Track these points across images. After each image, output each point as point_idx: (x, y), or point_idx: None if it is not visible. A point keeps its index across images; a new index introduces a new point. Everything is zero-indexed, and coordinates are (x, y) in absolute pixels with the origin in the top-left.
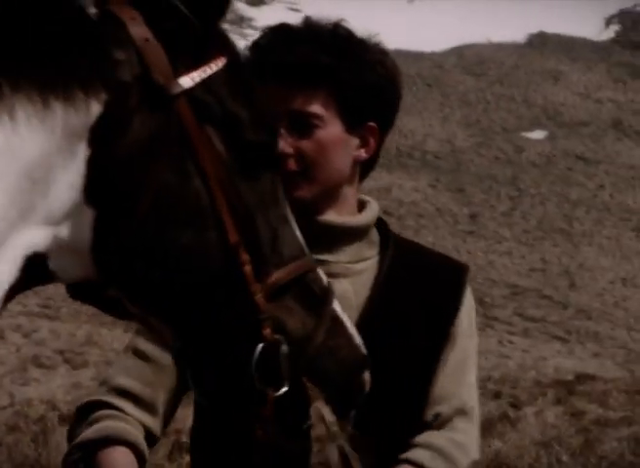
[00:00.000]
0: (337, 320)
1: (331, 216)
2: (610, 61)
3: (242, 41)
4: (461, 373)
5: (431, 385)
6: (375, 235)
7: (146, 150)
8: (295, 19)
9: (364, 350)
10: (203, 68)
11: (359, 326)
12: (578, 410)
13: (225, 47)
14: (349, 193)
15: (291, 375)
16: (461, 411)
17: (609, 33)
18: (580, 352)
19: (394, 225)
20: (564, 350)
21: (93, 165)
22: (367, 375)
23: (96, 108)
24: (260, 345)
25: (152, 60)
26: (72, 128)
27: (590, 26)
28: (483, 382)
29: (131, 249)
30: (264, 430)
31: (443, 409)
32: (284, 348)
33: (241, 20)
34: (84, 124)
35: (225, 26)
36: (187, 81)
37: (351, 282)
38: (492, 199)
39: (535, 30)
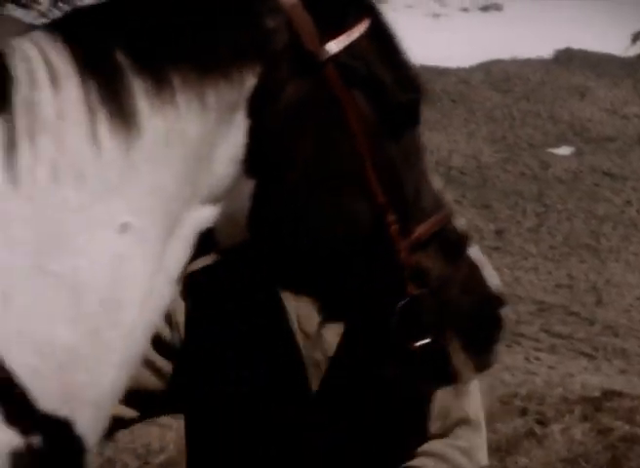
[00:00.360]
0: (473, 265)
1: None
2: (636, 77)
3: None
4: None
5: (430, 400)
6: None
7: (297, 117)
8: None
9: (500, 289)
10: (348, 32)
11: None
12: (605, 427)
13: (368, 9)
14: None
15: (435, 326)
16: (464, 421)
17: (635, 49)
18: (606, 369)
19: None
20: (591, 367)
21: (252, 135)
22: (505, 311)
23: (251, 80)
24: (405, 300)
25: (301, 27)
26: (229, 101)
27: (617, 42)
28: (509, 399)
29: (281, 216)
30: (408, 381)
31: (445, 421)
32: (427, 300)
33: None
34: (240, 96)
35: None
36: (334, 46)
37: None
38: (518, 215)
39: (561, 46)
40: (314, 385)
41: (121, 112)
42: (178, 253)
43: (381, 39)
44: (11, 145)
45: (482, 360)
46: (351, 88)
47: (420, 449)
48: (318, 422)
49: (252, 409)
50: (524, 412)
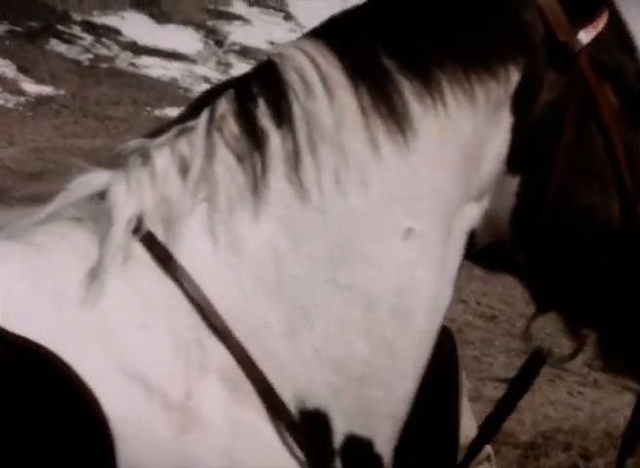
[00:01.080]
0: None
1: None
2: None
3: None
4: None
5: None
6: None
7: (555, 111)
8: None
9: None
10: (594, 22)
11: None
12: None
13: None
14: None
15: None
16: (488, 457)
17: None
18: None
19: None
20: (635, 401)
21: (515, 132)
22: None
23: (515, 75)
24: None
25: (553, 19)
26: (496, 98)
27: None
28: (553, 433)
29: (545, 212)
30: None
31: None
32: None
33: None
34: (505, 92)
35: None
36: (584, 37)
37: None
38: None
39: None
40: None
41: (395, 116)
42: (454, 254)
43: (618, 27)
44: (294, 158)
45: None
46: (601, 79)
47: None
48: None
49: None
50: (567, 448)
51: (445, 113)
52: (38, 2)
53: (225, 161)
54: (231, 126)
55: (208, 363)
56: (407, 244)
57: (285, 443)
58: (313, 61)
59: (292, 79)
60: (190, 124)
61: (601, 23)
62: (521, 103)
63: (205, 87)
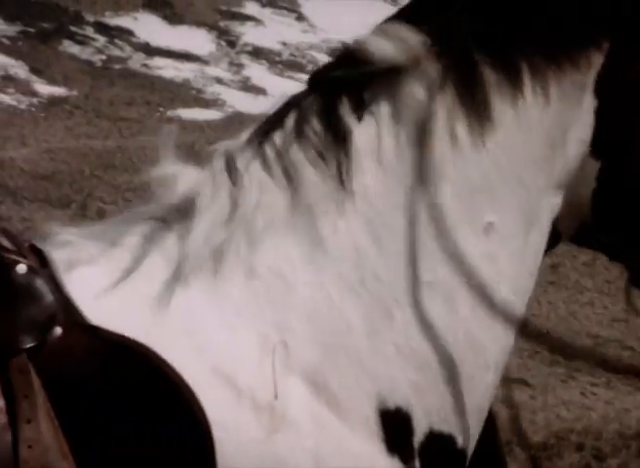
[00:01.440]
0: None
1: None
2: None
3: None
4: None
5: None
6: None
7: (637, 89)
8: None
9: None
10: None
11: None
12: None
13: None
14: None
15: None
16: None
17: None
18: None
19: None
20: None
21: (599, 115)
22: None
23: (598, 58)
24: None
25: None
26: (579, 83)
27: None
28: (566, 434)
29: (628, 195)
30: None
31: None
32: None
33: None
34: (589, 76)
35: None
36: None
37: None
38: (573, 249)
39: None
40: None
41: (476, 107)
42: (536, 245)
43: None
44: (378, 152)
45: None
46: None
47: None
48: None
49: None
50: (580, 448)
51: (526, 103)
52: (51, 3)
53: (312, 160)
54: (314, 123)
55: (292, 363)
56: (488, 238)
57: (365, 446)
58: (400, 48)
59: (378, 67)
60: (279, 123)
61: None
62: (604, 86)
63: (217, 88)
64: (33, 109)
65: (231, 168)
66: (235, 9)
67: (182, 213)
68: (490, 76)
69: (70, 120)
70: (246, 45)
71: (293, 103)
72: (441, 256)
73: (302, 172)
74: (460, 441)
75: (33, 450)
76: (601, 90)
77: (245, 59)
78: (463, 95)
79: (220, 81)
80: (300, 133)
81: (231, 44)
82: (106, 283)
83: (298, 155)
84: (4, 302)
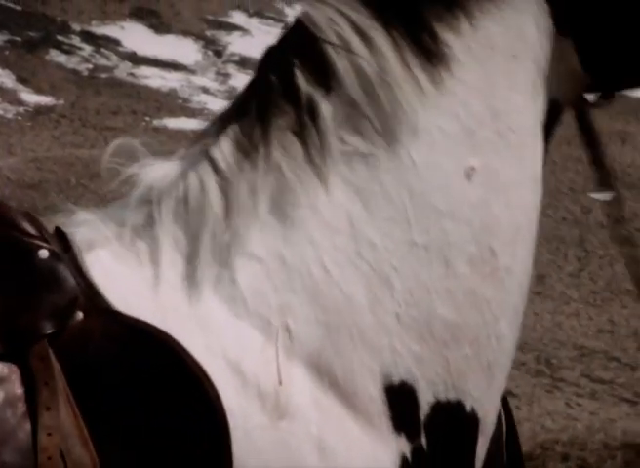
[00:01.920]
0: None
1: None
2: None
3: None
4: None
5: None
6: None
7: None
8: None
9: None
10: None
11: None
12: None
13: None
14: None
15: None
16: None
17: None
18: None
19: None
20: (632, 412)
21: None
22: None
23: None
24: None
25: None
26: None
27: None
28: (551, 444)
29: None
30: None
31: None
32: None
33: None
34: None
35: None
36: None
37: None
38: (559, 260)
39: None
40: None
41: (428, 51)
42: (535, 156)
43: None
44: (348, 120)
45: None
46: None
47: None
48: None
49: None
50: (565, 458)
51: (472, 28)
52: (37, 12)
53: (281, 139)
54: (279, 101)
55: (295, 348)
56: (472, 183)
57: (371, 428)
58: (341, 12)
59: (328, 34)
60: (244, 107)
61: None
62: None
63: (204, 97)
64: (20, 118)
65: (209, 157)
66: (222, 18)
67: (174, 200)
68: (432, 17)
69: (57, 129)
70: (233, 55)
71: (253, 84)
72: (433, 216)
73: (279, 151)
74: (469, 405)
75: (52, 438)
76: None
77: (232, 69)
78: (410, 35)
79: (206, 90)
80: (266, 112)
81: (218, 53)
82: (122, 266)
83: (269, 135)
84: (26, 288)
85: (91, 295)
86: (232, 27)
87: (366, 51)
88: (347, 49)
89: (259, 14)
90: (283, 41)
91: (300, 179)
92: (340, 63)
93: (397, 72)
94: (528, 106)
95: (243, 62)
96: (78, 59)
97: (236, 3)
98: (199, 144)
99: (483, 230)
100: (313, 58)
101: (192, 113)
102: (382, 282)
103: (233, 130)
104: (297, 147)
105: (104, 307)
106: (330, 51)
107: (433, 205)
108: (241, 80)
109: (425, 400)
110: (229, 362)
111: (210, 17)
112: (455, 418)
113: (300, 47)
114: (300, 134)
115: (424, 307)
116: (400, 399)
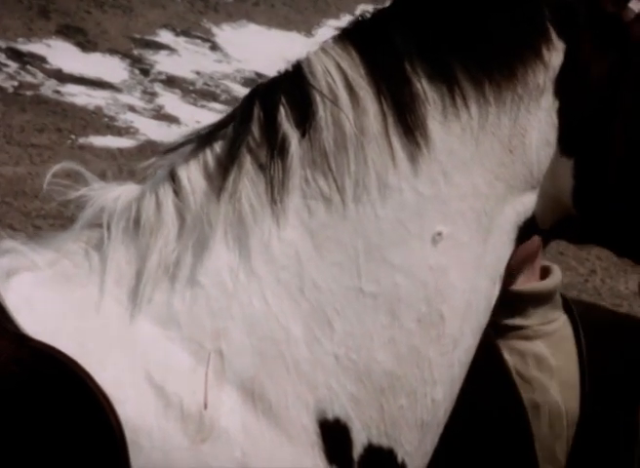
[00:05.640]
0: None
1: (521, 285)
2: None
3: None
4: None
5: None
6: (558, 297)
7: (607, 87)
8: None
9: None
10: None
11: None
12: None
13: None
14: (538, 259)
15: None
16: None
17: None
18: None
19: None
20: None
21: (563, 115)
22: None
23: (556, 59)
24: None
25: None
26: (535, 86)
27: None
28: None
29: (610, 188)
30: None
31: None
32: None
33: None
34: (546, 79)
35: None
36: (636, 6)
37: (545, 343)
38: None
39: None
40: (534, 427)
41: (412, 121)
42: (498, 250)
43: None
44: (316, 164)
45: None
46: None
47: None
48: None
49: (469, 449)
50: None
51: (468, 115)
52: None
53: (248, 170)
54: (256, 133)
55: (227, 373)
56: (436, 249)
57: (303, 456)
58: (339, 66)
59: (320, 84)
60: (221, 133)
61: None
62: (567, 86)
63: (130, 116)
64: None
65: (173, 178)
66: (149, 37)
67: (124, 221)
68: (426, 89)
69: None
70: (159, 73)
71: (235, 112)
72: (386, 268)
73: (243, 182)
74: (400, 455)
75: None
76: (563, 90)
77: (158, 88)
78: (398, 109)
79: (132, 109)
80: (240, 142)
81: (145, 72)
82: (46, 290)
83: (238, 165)
84: None
85: (1, 319)
86: (159, 46)
87: (350, 108)
88: (334, 101)
89: (186, 33)
90: (278, 78)
91: (255, 213)
92: (323, 112)
93: (375, 135)
94: (509, 200)
95: (170, 81)
96: (3, 76)
97: (163, 22)
98: (165, 161)
99: (436, 294)
100: (300, 100)
101: (118, 131)
102: (323, 322)
103: (204, 153)
104: (260, 181)
105: (13, 331)
106: (317, 98)
107: (388, 259)
108: (167, 99)
109: (359, 440)
110: (153, 383)
111: (137, 35)
112: (386, 465)
113: (291, 87)
114: (267, 168)
115: (365, 352)
116: (334, 434)
